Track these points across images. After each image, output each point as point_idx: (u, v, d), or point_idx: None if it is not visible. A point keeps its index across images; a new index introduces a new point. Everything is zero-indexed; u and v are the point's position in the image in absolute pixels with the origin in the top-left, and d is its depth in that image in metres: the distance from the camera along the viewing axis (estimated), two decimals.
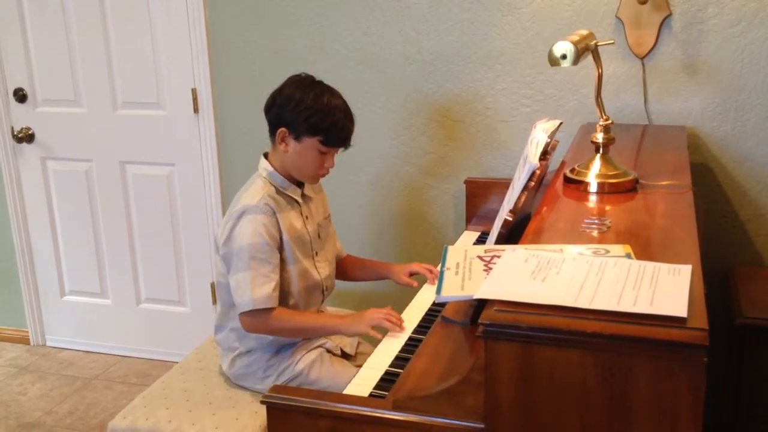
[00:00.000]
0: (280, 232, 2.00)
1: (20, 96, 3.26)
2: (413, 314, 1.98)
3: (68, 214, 3.38)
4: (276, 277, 1.98)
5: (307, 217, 2.11)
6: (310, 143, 1.99)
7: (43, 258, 3.48)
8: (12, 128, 3.31)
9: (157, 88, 3.09)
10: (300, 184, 2.11)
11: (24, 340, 3.61)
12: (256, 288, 1.93)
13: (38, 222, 3.43)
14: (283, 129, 2.00)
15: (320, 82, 2.04)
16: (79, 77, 3.18)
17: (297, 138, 1.99)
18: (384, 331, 1.90)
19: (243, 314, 1.97)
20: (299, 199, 2.08)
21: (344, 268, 2.34)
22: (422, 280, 2.23)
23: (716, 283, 2.42)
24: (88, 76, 3.16)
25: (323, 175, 2.08)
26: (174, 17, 2.98)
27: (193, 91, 3.04)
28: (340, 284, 2.34)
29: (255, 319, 1.97)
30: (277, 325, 1.99)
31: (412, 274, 2.25)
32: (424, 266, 2.24)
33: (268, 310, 1.96)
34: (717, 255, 2.50)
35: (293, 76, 2.05)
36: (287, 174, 2.06)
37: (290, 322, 2.02)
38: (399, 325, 1.90)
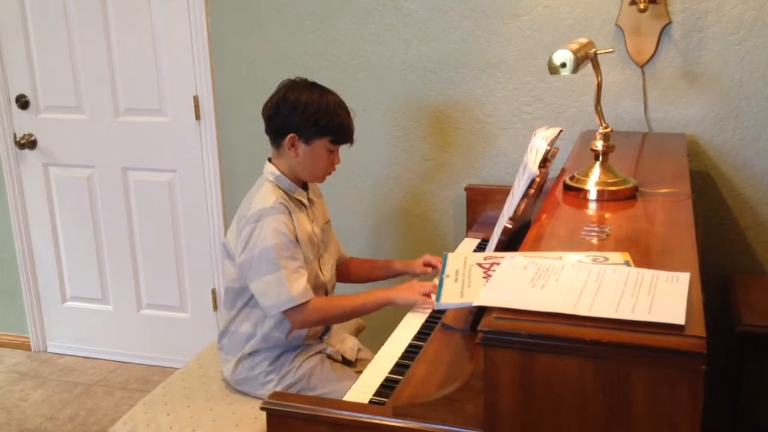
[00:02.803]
0: (296, 232, 2.02)
1: (22, 102, 3.28)
2: (413, 321, 1.98)
3: (70, 220, 3.39)
4: (305, 271, 2.01)
5: (313, 220, 2.13)
6: (320, 144, 2.03)
7: (44, 264, 3.48)
8: (14, 134, 3.32)
9: (159, 95, 3.11)
10: (306, 188, 2.13)
11: (25, 346, 3.61)
12: (293, 284, 1.96)
13: (40, 228, 3.44)
14: (292, 135, 2.02)
15: (315, 83, 2.08)
16: (81, 84, 3.19)
17: (307, 142, 2.03)
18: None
19: (287, 312, 1.99)
20: (306, 202, 2.11)
21: (348, 270, 2.36)
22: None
23: (716, 291, 2.43)
24: (90, 82, 3.18)
25: (331, 173, 2.12)
26: (176, 24, 2.99)
27: (195, 98, 3.05)
28: (340, 285, 2.34)
29: (300, 313, 1.99)
30: (323, 314, 2.03)
31: (426, 265, 2.28)
32: (437, 258, 2.26)
33: (306, 304, 1.98)
34: (717, 262, 2.50)
35: (289, 82, 2.08)
36: (294, 177, 2.08)
37: (337, 307, 2.06)
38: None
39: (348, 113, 2.07)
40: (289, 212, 2.02)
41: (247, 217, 2.00)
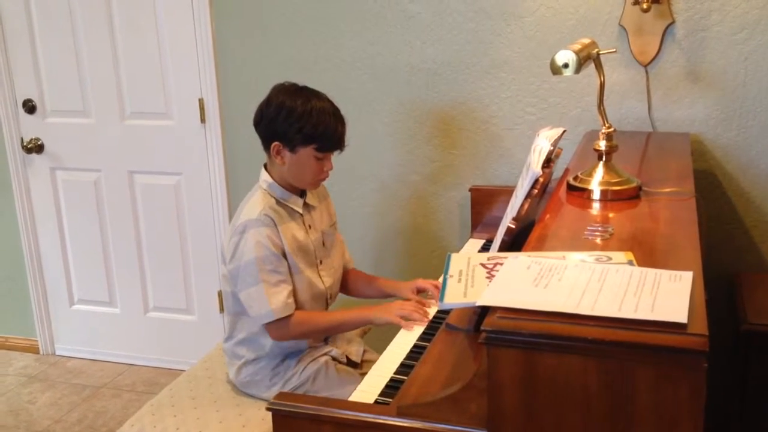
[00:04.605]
0: (282, 243, 2.01)
1: (29, 107, 3.30)
2: None
3: (77, 223, 3.41)
4: (288, 285, 1.99)
5: (309, 227, 2.10)
6: (306, 152, 1.98)
7: (52, 267, 3.50)
8: (21, 139, 3.34)
9: (165, 99, 3.12)
10: (302, 194, 2.11)
11: (33, 349, 3.63)
12: (272, 298, 1.95)
13: (47, 231, 3.46)
14: (276, 143, 1.99)
15: (305, 88, 2.02)
16: (88, 88, 3.21)
17: (292, 150, 1.98)
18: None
19: (267, 326, 1.99)
20: (300, 210, 2.08)
21: (347, 282, 2.31)
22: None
23: (721, 290, 2.42)
24: (96, 86, 3.19)
25: (324, 179, 2.08)
26: (181, 28, 3.01)
27: (200, 101, 3.07)
28: (343, 295, 2.34)
29: (280, 328, 1.99)
30: (304, 329, 2.02)
31: (419, 291, 2.18)
32: (429, 282, 2.18)
33: (289, 317, 1.98)
34: (722, 261, 2.50)
35: (277, 86, 2.03)
36: (287, 184, 2.05)
37: (318, 323, 2.05)
38: (422, 319, 1.94)
39: (336, 119, 1.99)
40: (275, 224, 1.98)
41: (235, 227, 1.99)
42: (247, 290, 1.97)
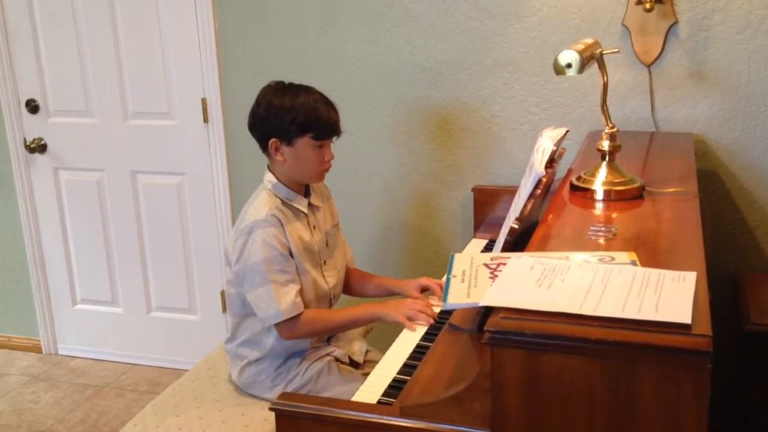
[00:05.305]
0: (289, 244, 2.01)
1: (32, 107, 3.30)
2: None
3: (80, 223, 3.41)
4: (296, 285, 2.00)
5: (314, 227, 2.11)
6: (303, 143, 1.99)
7: (55, 267, 3.51)
8: (24, 139, 3.34)
9: (168, 98, 3.12)
10: (306, 194, 2.12)
11: (36, 349, 3.64)
12: (281, 298, 1.96)
13: (50, 231, 3.46)
14: (273, 140, 2.01)
15: (291, 84, 2.05)
16: (91, 88, 3.21)
17: (289, 143, 2.00)
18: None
19: (277, 326, 2.00)
20: (305, 210, 2.09)
21: (350, 281, 2.31)
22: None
23: (725, 290, 2.42)
24: (99, 86, 3.20)
25: (327, 170, 2.08)
26: (184, 28, 3.01)
27: (203, 101, 3.07)
28: (345, 295, 2.34)
29: (290, 327, 1.99)
30: (314, 327, 2.03)
31: (423, 290, 2.19)
32: (434, 281, 2.18)
33: (298, 317, 1.99)
34: (726, 262, 2.50)
35: (264, 88, 2.06)
36: (292, 184, 2.06)
37: (327, 321, 2.06)
38: (429, 321, 1.94)
39: (327, 106, 2.01)
40: (282, 224, 1.99)
41: (241, 228, 1.99)
42: (255, 291, 1.97)
